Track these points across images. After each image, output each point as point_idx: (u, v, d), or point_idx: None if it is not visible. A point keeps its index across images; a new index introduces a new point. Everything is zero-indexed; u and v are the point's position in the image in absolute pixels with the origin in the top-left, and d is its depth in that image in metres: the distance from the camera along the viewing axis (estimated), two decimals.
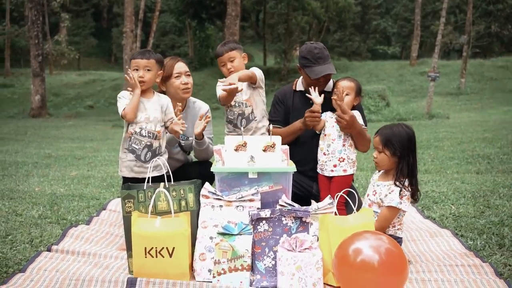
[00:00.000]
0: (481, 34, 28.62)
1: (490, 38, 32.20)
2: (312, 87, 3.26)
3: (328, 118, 3.29)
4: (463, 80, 20.14)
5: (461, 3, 29.36)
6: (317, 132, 3.32)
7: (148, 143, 2.99)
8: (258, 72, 3.36)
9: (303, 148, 3.39)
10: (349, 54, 36.72)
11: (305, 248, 2.51)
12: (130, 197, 2.63)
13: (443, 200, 4.36)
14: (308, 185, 3.44)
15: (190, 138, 3.44)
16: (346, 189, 2.80)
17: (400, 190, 2.78)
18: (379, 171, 3.02)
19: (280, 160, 2.77)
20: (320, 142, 3.32)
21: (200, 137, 3.26)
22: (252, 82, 3.31)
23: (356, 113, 3.28)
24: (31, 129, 13.42)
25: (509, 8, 31.73)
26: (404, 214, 2.91)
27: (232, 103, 3.32)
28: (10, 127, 14.10)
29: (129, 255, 2.64)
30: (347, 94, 3.22)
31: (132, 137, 2.99)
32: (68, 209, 3.92)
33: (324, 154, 3.27)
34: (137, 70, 3.03)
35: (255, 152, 2.75)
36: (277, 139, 2.80)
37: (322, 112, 3.27)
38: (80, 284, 2.41)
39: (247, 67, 3.42)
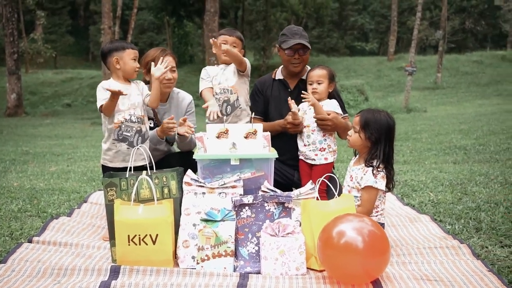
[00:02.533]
0: (456, 29, 29.09)
1: (464, 33, 32.76)
2: (292, 100, 3.26)
3: (307, 110, 3.31)
4: (439, 75, 20.49)
5: (434, 5, 29.83)
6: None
7: (138, 128, 3.03)
8: (248, 62, 3.40)
9: (283, 138, 3.41)
10: (328, 50, 36.93)
11: (288, 233, 2.54)
12: (113, 185, 2.62)
13: (422, 188, 4.44)
14: (289, 173, 3.47)
15: None
16: (327, 174, 2.83)
17: (373, 170, 2.80)
18: (349, 147, 3.05)
19: (261, 147, 2.79)
20: (299, 133, 3.34)
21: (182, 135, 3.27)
22: (241, 69, 3.32)
23: (333, 102, 3.29)
24: (7, 128, 13.18)
25: (482, 5, 32.34)
26: (384, 197, 2.95)
27: (218, 90, 3.31)
28: None
29: (112, 244, 2.63)
30: (319, 83, 3.24)
31: (123, 126, 3.00)
32: (48, 202, 3.88)
33: (305, 145, 3.29)
34: (135, 60, 3.08)
35: (237, 139, 2.76)
36: (259, 126, 2.82)
37: (298, 104, 3.31)
38: (63, 273, 2.40)
39: None
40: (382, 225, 2.96)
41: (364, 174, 2.83)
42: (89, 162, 6.37)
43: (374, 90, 20.24)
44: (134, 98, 3.06)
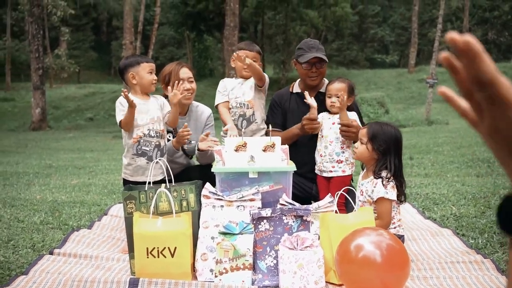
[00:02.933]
0: (478, 40, 28.73)
1: (487, 45, 32.39)
2: (307, 92, 3.28)
3: (325, 120, 3.30)
4: None
5: (458, 11, 29.58)
6: (315, 133, 3.35)
7: (157, 143, 3.08)
8: (267, 77, 3.45)
9: (301, 150, 3.41)
10: (347, 63, 36.89)
11: (306, 246, 2.53)
12: (132, 198, 2.65)
13: (444, 201, 4.36)
14: (308, 187, 3.46)
15: (193, 142, 3.46)
16: (346, 187, 2.81)
17: (382, 181, 2.78)
18: (355, 159, 3.06)
19: (280, 160, 2.79)
20: (318, 143, 3.34)
21: (203, 150, 3.29)
22: (260, 84, 3.36)
23: (354, 115, 3.29)
24: (31, 142, 13.44)
25: (505, 15, 31.97)
26: (398, 208, 2.91)
27: (234, 103, 3.35)
28: (10, 139, 14.12)
29: (131, 256, 2.65)
30: (338, 96, 3.23)
31: (141, 140, 3.04)
32: (69, 215, 3.93)
33: (321, 155, 3.28)
34: (151, 73, 3.13)
35: (255, 152, 2.77)
36: (277, 140, 2.83)
37: (318, 114, 3.30)
38: (83, 285, 2.41)
39: None
40: (402, 237, 2.93)
41: (375, 187, 2.80)
42: (110, 175, 6.44)
43: (395, 102, 20.07)
44: (153, 113, 3.10)
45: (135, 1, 20.84)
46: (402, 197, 2.88)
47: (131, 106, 2.91)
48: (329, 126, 3.27)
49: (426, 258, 2.92)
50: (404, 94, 22.28)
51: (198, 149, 3.26)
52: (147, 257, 2.50)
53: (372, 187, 2.82)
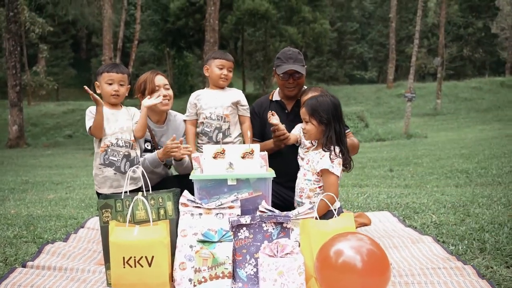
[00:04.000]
0: (454, 56, 29.39)
1: (462, 61, 33.12)
2: (271, 111, 3.27)
3: (302, 130, 3.29)
4: (439, 101, 20.59)
5: (433, 28, 30.21)
6: (289, 145, 3.33)
7: (126, 153, 2.98)
8: (244, 99, 3.44)
9: (279, 160, 3.38)
10: (327, 79, 37.27)
11: (287, 253, 2.49)
12: (108, 207, 2.58)
13: (424, 210, 4.37)
14: (288, 195, 3.43)
15: None
16: (326, 194, 2.78)
17: (330, 154, 2.83)
18: (308, 141, 3.11)
19: (259, 166, 2.76)
20: (299, 151, 3.32)
21: (179, 159, 3.23)
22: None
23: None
24: (8, 159, 13.16)
25: (479, 33, 32.76)
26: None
27: (209, 114, 3.31)
28: None
29: (107, 267, 2.57)
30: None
31: (109, 149, 2.95)
32: (44, 228, 3.82)
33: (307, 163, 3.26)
34: (110, 84, 3.02)
35: (234, 159, 2.73)
36: (256, 146, 2.80)
37: (295, 125, 3.31)
38: None
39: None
40: (340, 208, 2.99)
41: (321, 158, 2.87)
42: (88, 189, 6.32)
43: (374, 117, 20.29)
44: (123, 123, 3.02)
45: (114, 18, 20.77)
46: (347, 164, 2.95)
47: (97, 104, 2.84)
48: None
49: (407, 265, 2.90)
50: (383, 109, 22.55)
51: (174, 159, 3.21)
52: (124, 267, 2.43)
53: (319, 158, 2.88)
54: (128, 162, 2.98)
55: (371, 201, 4.93)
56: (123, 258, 2.43)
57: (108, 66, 3.07)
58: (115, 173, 2.96)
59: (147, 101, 3.07)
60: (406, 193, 5.40)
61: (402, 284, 2.57)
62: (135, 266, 2.43)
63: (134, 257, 2.43)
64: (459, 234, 3.48)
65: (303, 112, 2.94)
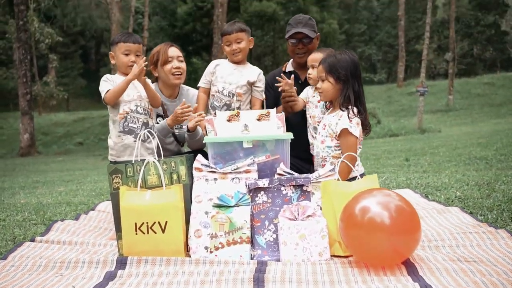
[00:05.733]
0: (464, 51, 29.06)
1: (473, 59, 32.77)
2: (282, 75, 3.11)
3: (310, 98, 3.13)
4: (451, 97, 20.30)
5: (443, 25, 29.95)
6: (298, 110, 3.17)
7: (145, 121, 2.89)
8: (262, 80, 3.27)
9: (293, 130, 3.23)
10: None
11: (308, 216, 2.34)
12: (118, 172, 2.45)
13: (446, 187, 4.20)
14: (305, 168, 3.28)
15: (184, 127, 3.27)
16: (347, 154, 2.61)
17: (348, 113, 2.66)
18: (324, 102, 2.94)
19: (275, 128, 2.61)
20: (308, 123, 3.18)
21: (193, 129, 3.08)
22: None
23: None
24: (19, 166, 13.14)
25: (489, 30, 32.40)
26: (360, 145, 2.79)
27: (222, 89, 3.14)
28: None
29: (119, 237, 2.44)
30: (314, 67, 3.05)
31: (128, 116, 2.85)
32: (54, 213, 3.71)
33: (313, 136, 3.12)
34: (127, 55, 2.91)
35: (249, 121, 2.60)
36: (272, 110, 2.66)
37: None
38: (66, 266, 2.21)
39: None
40: (363, 174, 2.77)
41: (339, 119, 2.68)
42: (99, 183, 6.22)
43: (386, 115, 20.03)
44: (142, 91, 2.92)
45: (123, 21, 20.79)
46: (365, 128, 2.77)
47: (139, 75, 2.73)
48: (314, 104, 3.11)
49: (435, 233, 2.73)
50: (394, 107, 22.30)
51: (187, 130, 3.06)
52: (136, 234, 2.30)
53: (337, 120, 2.69)
54: (146, 130, 2.85)
55: (390, 183, 4.76)
56: (135, 224, 2.30)
57: (124, 35, 2.97)
58: (134, 141, 2.82)
59: (134, 69, 2.84)
60: (425, 176, 5.23)
61: (432, 248, 2.41)
62: (147, 233, 2.30)
63: (147, 222, 2.29)
64: (486, 206, 3.30)
65: (319, 69, 2.77)
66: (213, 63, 3.25)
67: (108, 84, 2.85)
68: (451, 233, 2.61)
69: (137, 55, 2.95)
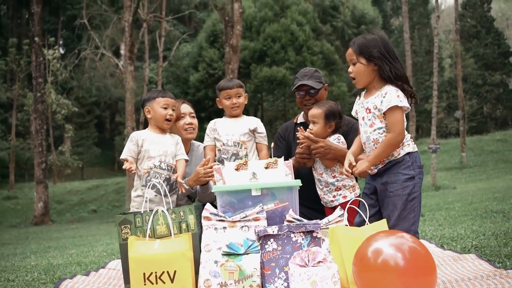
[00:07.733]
0: (474, 109, 29.15)
1: (483, 117, 32.84)
2: (300, 127, 3.17)
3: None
4: (464, 154, 20.20)
5: (450, 86, 30.34)
6: (309, 166, 3.20)
7: (167, 176, 2.94)
8: (261, 127, 3.35)
9: (304, 182, 3.23)
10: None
11: (319, 261, 2.30)
12: (127, 222, 2.46)
13: (462, 238, 4.11)
14: (314, 217, 3.24)
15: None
16: (355, 199, 2.59)
17: (394, 86, 2.56)
18: (358, 86, 2.77)
19: (283, 175, 2.62)
20: (314, 175, 3.19)
21: (205, 183, 3.12)
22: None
23: (332, 138, 3.12)
24: (32, 234, 13.11)
25: (497, 89, 32.69)
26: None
27: (227, 141, 3.20)
28: (11, 234, 13.80)
29: None
30: (314, 123, 3.10)
31: (151, 172, 2.92)
32: (64, 272, 3.67)
33: (319, 188, 3.13)
34: (165, 108, 3.04)
35: (257, 169, 2.62)
36: (279, 158, 2.69)
37: None
38: None
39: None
40: (415, 153, 2.71)
41: (384, 97, 2.58)
42: (111, 245, 6.17)
43: None
44: (167, 147, 3.01)
45: (136, 89, 21.42)
46: (412, 94, 2.64)
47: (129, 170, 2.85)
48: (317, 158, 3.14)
49: (452, 280, 2.64)
50: None
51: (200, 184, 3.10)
52: (144, 284, 2.27)
53: (381, 98, 2.59)
54: (168, 186, 2.93)
55: None
56: (144, 274, 2.27)
57: (161, 92, 3.11)
58: (155, 195, 2.88)
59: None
60: (440, 228, 5.12)
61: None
62: (156, 283, 2.27)
63: (155, 272, 2.27)
64: (504, 253, 3.21)
65: (348, 53, 2.68)
66: (212, 121, 3.34)
67: (125, 150, 2.96)
68: (469, 279, 2.53)
69: (173, 109, 3.08)
